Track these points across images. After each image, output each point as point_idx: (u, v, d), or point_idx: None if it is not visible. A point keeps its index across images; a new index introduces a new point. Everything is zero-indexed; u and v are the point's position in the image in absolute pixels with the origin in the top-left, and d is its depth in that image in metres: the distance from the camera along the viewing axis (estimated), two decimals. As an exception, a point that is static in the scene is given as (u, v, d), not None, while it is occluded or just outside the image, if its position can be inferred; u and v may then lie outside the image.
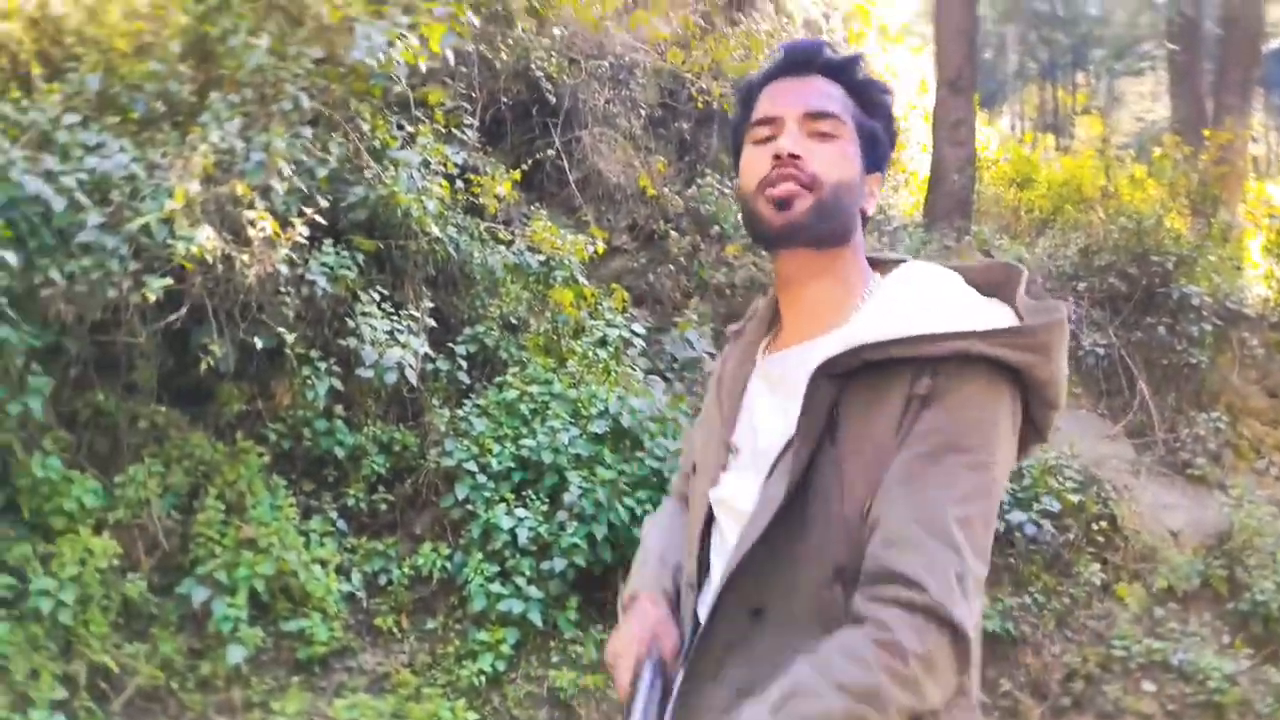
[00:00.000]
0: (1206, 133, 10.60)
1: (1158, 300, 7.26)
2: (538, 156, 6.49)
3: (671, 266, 7.53)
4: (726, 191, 7.93)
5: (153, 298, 3.93)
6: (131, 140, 4.38)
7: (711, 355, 6.26)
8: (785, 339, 1.44)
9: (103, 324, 4.38)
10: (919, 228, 9.28)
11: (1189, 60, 13.60)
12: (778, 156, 1.36)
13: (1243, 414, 7.01)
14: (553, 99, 6.53)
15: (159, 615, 4.54)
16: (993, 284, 1.36)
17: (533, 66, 6.38)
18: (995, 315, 1.30)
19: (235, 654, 4.36)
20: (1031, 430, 1.35)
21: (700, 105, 7.63)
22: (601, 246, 5.86)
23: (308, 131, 4.60)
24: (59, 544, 4.30)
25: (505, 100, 6.64)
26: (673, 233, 7.55)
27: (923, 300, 1.31)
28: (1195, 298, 6.96)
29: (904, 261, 1.45)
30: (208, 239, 3.93)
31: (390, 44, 4.73)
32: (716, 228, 7.67)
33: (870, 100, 1.45)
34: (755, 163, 1.40)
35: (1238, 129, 11.36)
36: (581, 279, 5.81)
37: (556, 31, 6.56)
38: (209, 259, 3.95)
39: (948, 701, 1.23)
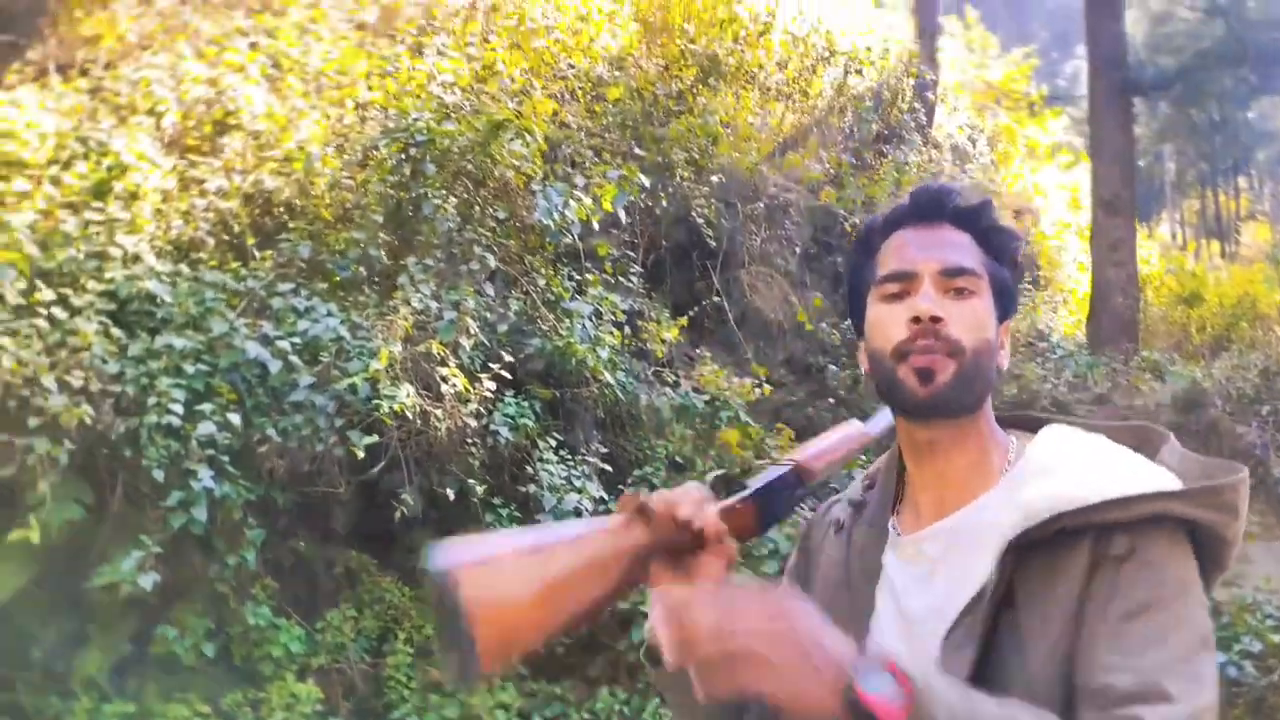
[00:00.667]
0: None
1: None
2: (702, 302, 6.75)
3: (831, 399, 7.62)
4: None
5: (360, 453, 4.26)
6: (337, 303, 4.81)
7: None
8: (925, 513, 1.36)
9: (305, 475, 4.74)
10: (1083, 350, 9.16)
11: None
12: (917, 320, 1.28)
13: None
14: (712, 242, 6.82)
15: (354, 757, 4.76)
16: (1135, 444, 1.29)
17: (693, 213, 6.70)
18: (1168, 476, 1.23)
19: (427, 798, 4.53)
20: None
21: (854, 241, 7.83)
22: (769, 389, 6.01)
23: (490, 289, 4.96)
24: (268, 690, 4.58)
25: (665, 244, 6.96)
26: (830, 366, 7.67)
27: (1095, 462, 1.25)
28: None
29: (1038, 419, 1.39)
30: (408, 396, 4.26)
31: (566, 203, 5.09)
32: (876, 360, 7.76)
33: (1000, 248, 1.37)
34: (889, 323, 1.31)
35: None
36: (745, 417, 5.96)
37: (715, 179, 6.87)
38: (409, 415, 4.27)
39: None
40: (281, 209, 5.40)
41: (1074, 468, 1.24)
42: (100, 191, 4.79)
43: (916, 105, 11.00)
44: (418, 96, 5.79)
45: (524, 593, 1.18)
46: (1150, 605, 1.14)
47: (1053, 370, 8.34)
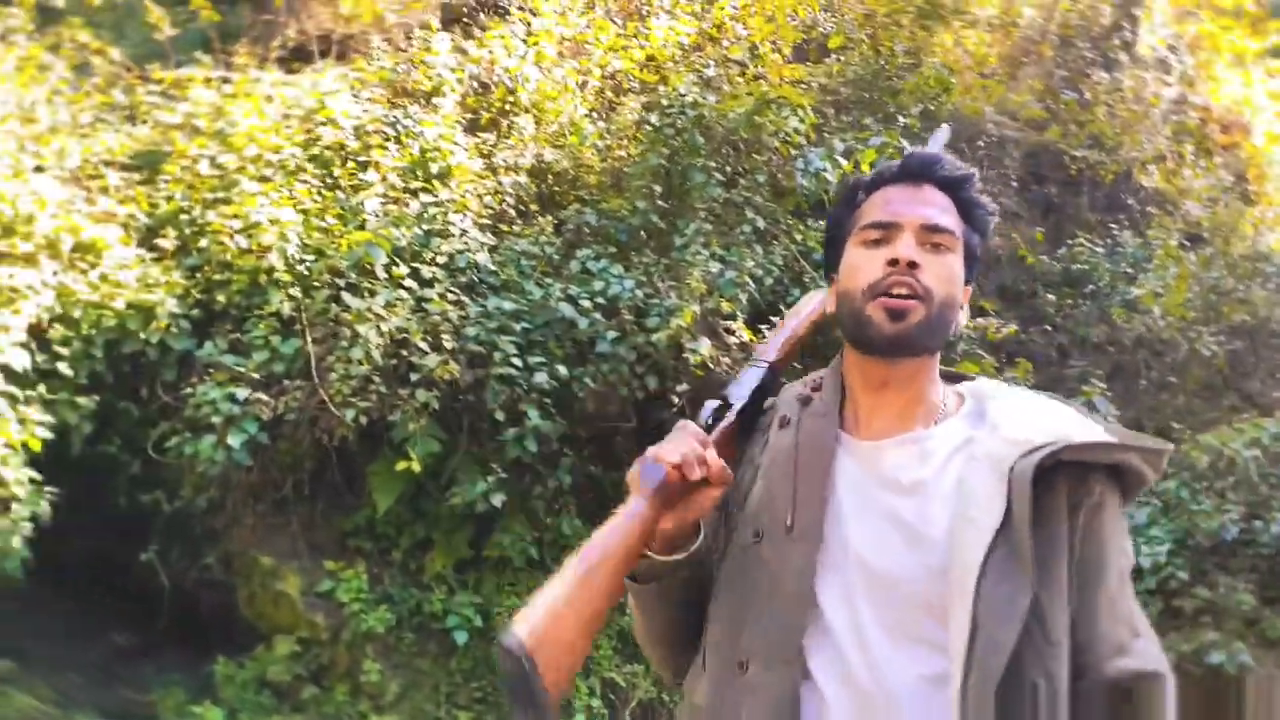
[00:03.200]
0: None
1: None
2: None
3: (1048, 326, 8.27)
4: (1099, 250, 8.60)
5: (678, 401, 5.23)
6: (621, 264, 5.76)
7: (1118, 416, 6.95)
8: (870, 430, 1.51)
9: (601, 413, 5.75)
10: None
11: None
12: (894, 262, 1.45)
13: None
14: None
15: (646, 644, 5.83)
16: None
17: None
18: (1118, 432, 1.46)
19: (711, 679, 5.58)
20: None
21: (1074, 174, 8.38)
22: (1013, 328, 6.70)
23: (759, 248, 5.83)
24: (576, 588, 5.66)
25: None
26: (1048, 294, 8.31)
27: (1059, 410, 1.47)
28: None
29: (959, 375, 1.62)
30: (707, 349, 5.20)
31: (826, 167, 5.90)
32: (1090, 286, 8.34)
33: (977, 218, 1.55)
34: (867, 266, 1.48)
35: None
36: (982, 351, 6.69)
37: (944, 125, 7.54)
38: (709, 364, 5.22)
39: None
40: (554, 179, 6.36)
41: (1044, 412, 1.46)
42: (414, 173, 5.84)
43: (1123, 24, 11.24)
44: (673, 61, 6.64)
45: (576, 627, 1.42)
46: (1124, 565, 1.43)
47: (1273, 289, 8.49)
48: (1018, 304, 8.91)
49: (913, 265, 1.44)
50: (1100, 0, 11.01)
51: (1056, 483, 1.36)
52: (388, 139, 6.02)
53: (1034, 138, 8.26)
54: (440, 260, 5.38)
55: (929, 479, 1.41)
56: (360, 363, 4.87)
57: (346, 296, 5.02)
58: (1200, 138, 11.11)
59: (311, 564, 5.49)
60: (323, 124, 6.13)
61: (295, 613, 5.39)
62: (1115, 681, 1.35)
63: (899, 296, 1.44)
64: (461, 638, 5.33)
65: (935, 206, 1.50)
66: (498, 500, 5.13)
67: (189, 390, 5.16)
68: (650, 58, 6.95)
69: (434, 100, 6.32)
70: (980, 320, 6.64)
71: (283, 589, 5.41)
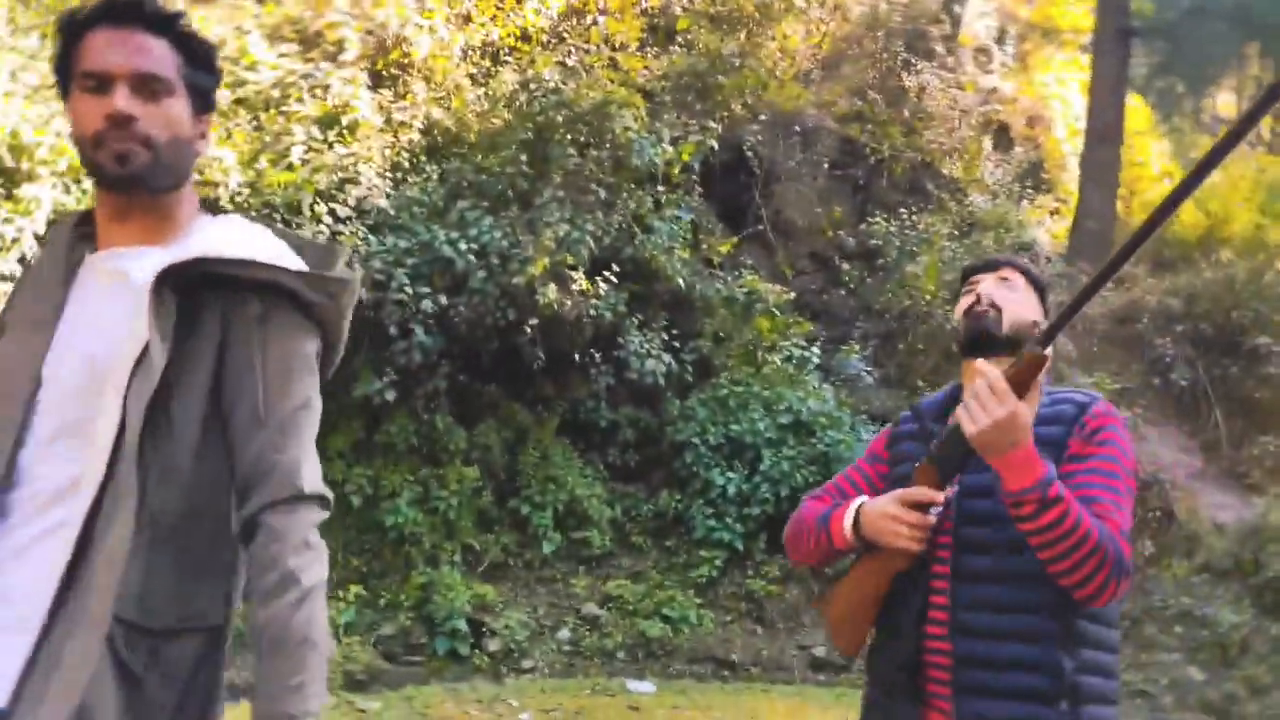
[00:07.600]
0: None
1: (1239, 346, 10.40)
2: (746, 213, 9.98)
3: (842, 291, 10.91)
4: (892, 229, 11.26)
5: (529, 330, 7.55)
6: (492, 215, 8.02)
7: (869, 372, 9.64)
8: (111, 243, 1.75)
9: (471, 336, 8.03)
10: (1060, 259, 12.29)
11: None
12: (110, 117, 1.65)
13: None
14: (756, 170, 10.01)
15: (498, 518, 8.20)
16: (318, 259, 1.81)
17: (744, 144, 9.88)
18: (297, 263, 1.76)
19: (546, 547, 8.03)
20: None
21: (876, 161, 11.02)
22: (786, 291, 9.24)
23: (600, 213, 8.19)
24: (445, 470, 7.98)
25: (715, 163, 10.13)
26: (844, 264, 10.94)
27: (251, 240, 1.77)
28: (1264, 348, 10.17)
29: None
30: (553, 292, 7.53)
31: (656, 151, 8.28)
32: (881, 260, 11.00)
33: (196, 53, 1.76)
34: (89, 116, 1.67)
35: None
36: (773, 308, 9.22)
37: (762, 117, 10.04)
38: (554, 305, 7.55)
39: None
40: (439, 134, 8.55)
41: (231, 238, 1.77)
42: (325, 123, 7.94)
43: (943, 16, 13.89)
44: (540, 43, 8.88)
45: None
46: (287, 372, 1.72)
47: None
48: (825, 269, 11.57)
49: (129, 119, 1.65)
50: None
51: (209, 301, 1.68)
52: (303, 90, 8.06)
53: (841, 128, 10.82)
54: (350, 203, 7.53)
55: (116, 295, 1.68)
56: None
57: (281, 229, 7.08)
58: (1001, 131, 13.93)
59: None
60: (247, 69, 8.12)
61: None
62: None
63: (121, 143, 1.65)
64: (356, 502, 7.59)
65: (149, 54, 1.69)
66: (390, 395, 7.38)
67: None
68: (524, 31, 9.18)
69: (339, 57, 8.39)
70: (774, 286, 9.16)
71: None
